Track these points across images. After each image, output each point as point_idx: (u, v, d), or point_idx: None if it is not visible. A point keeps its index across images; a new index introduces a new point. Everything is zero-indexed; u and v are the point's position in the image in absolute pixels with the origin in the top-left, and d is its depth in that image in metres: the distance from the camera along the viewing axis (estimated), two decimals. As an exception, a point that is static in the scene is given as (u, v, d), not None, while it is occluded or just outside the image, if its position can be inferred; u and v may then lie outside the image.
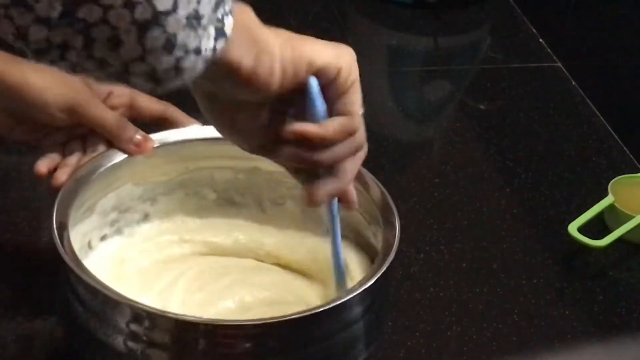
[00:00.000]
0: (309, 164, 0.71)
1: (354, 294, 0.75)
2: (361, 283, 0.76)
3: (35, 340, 0.86)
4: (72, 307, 0.76)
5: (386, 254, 0.78)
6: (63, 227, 0.78)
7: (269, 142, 0.70)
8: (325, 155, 0.71)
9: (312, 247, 0.89)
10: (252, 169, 0.90)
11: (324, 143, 0.71)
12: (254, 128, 0.69)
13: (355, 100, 0.75)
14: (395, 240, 0.79)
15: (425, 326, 0.90)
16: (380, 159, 1.11)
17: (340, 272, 0.80)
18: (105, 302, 0.73)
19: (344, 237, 0.81)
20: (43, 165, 0.87)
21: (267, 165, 0.88)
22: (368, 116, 1.24)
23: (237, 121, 0.69)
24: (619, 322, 0.94)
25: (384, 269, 0.76)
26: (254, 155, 0.87)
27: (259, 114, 0.69)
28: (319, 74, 0.69)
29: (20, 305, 0.88)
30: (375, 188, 0.84)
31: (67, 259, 0.75)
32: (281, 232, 0.91)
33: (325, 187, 0.72)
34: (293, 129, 0.69)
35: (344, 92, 0.73)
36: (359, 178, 0.85)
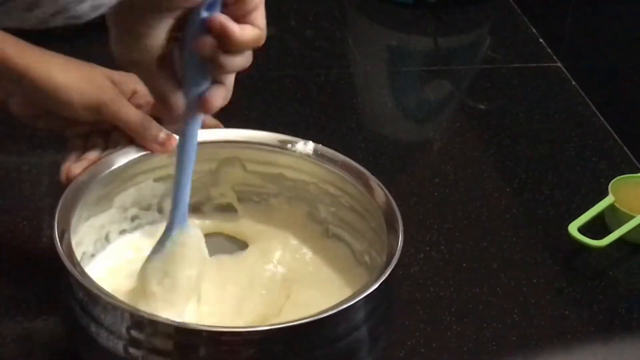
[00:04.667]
0: (217, 67, 0.74)
1: (358, 299, 0.75)
2: (364, 288, 0.76)
3: (35, 340, 0.86)
4: (73, 311, 0.76)
5: (389, 260, 0.78)
6: (64, 231, 0.78)
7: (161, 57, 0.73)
8: (234, 62, 0.74)
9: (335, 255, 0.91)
10: (277, 175, 0.90)
11: (237, 48, 0.73)
12: (156, 39, 0.72)
13: (261, 16, 0.76)
14: (399, 246, 0.79)
15: (425, 326, 0.90)
16: (380, 159, 1.11)
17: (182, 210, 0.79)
18: (106, 308, 0.73)
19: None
20: (65, 170, 0.87)
21: (292, 173, 0.89)
22: (368, 116, 1.25)
23: (144, 29, 0.72)
24: (619, 322, 0.94)
25: (386, 274, 0.76)
26: (279, 161, 0.88)
27: (165, 24, 0.71)
28: None
29: (20, 305, 0.88)
30: (380, 193, 0.84)
31: (67, 264, 0.75)
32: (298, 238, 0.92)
33: (220, 95, 0.76)
34: (219, 20, 0.71)
35: (252, 9, 0.74)
36: (363, 181, 0.85)
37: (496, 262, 0.99)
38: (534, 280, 0.97)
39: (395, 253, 0.78)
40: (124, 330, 0.73)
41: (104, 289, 0.73)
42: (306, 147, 0.88)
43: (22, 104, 0.86)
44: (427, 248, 0.99)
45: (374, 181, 0.86)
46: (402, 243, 0.79)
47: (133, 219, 0.89)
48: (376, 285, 0.75)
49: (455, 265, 0.98)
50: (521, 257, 1.00)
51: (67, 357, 0.85)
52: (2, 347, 0.85)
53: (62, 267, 0.75)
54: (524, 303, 0.94)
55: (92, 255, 0.86)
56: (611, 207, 1.02)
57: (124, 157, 0.85)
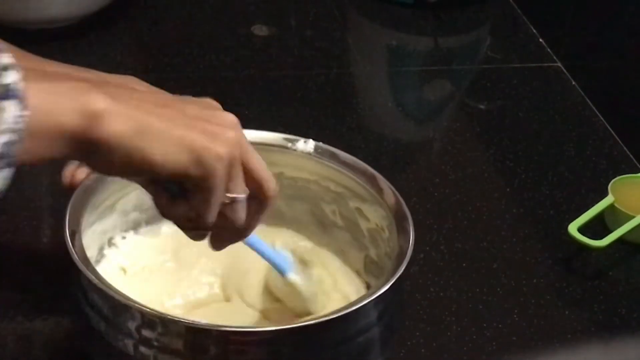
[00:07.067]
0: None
1: (369, 300, 0.74)
2: (375, 289, 0.76)
3: (35, 340, 0.86)
4: (84, 310, 0.76)
5: (400, 260, 0.78)
6: (75, 231, 0.78)
7: None
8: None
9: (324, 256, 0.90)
10: (277, 174, 0.90)
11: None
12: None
13: (203, 203, 0.70)
14: (409, 247, 0.79)
15: (425, 326, 0.90)
16: (380, 159, 1.11)
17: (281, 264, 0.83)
18: (117, 307, 0.73)
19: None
20: (68, 175, 0.86)
21: (292, 171, 0.88)
22: (368, 116, 1.25)
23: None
24: (619, 322, 0.94)
25: (398, 274, 0.76)
26: (280, 161, 0.88)
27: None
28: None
29: (20, 305, 0.88)
30: (390, 193, 0.84)
31: (78, 262, 0.75)
32: (297, 237, 0.92)
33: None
34: None
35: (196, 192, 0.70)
36: (372, 183, 0.85)
37: (496, 262, 0.99)
38: (534, 280, 0.97)
39: (406, 253, 0.78)
40: (134, 330, 0.73)
41: (115, 288, 0.73)
42: (306, 145, 0.88)
43: None
44: (427, 248, 0.99)
45: (382, 181, 0.85)
46: (413, 243, 0.79)
47: (134, 222, 0.89)
48: (388, 286, 0.75)
49: (455, 265, 0.98)
50: (521, 257, 1.00)
51: (67, 357, 0.85)
52: (2, 347, 0.85)
53: (74, 267, 0.75)
54: (524, 303, 0.94)
55: (97, 261, 0.86)
56: (611, 207, 1.02)
57: None
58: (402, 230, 0.81)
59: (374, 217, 0.85)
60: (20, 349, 0.85)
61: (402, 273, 0.77)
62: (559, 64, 1.31)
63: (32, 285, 0.90)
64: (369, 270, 0.87)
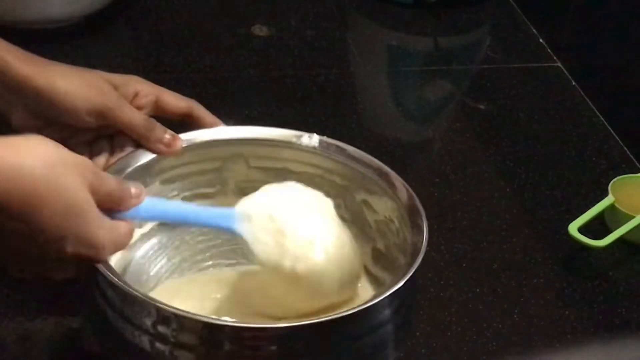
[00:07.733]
0: None
1: (383, 297, 0.74)
2: (389, 285, 0.76)
3: (35, 340, 0.86)
4: (100, 307, 0.76)
5: (414, 257, 0.78)
6: None
7: None
8: None
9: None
10: (282, 170, 0.90)
11: None
12: None
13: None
14: (423, 243, 0.79)
15: (425, 326, 0.90)
16: (380, 159, 1.10)
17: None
18: (133, 303, 0.73)
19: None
20: None
21: (296, 166, 0.88)
22: (368, 116, 1.25)
23: None
24: (619, 322, 0.94)
25: (412, 271, 0.76)
26: (284, 157, 0.88)
27: None
28: None
29: (20, 305, 0.88)
30: (403, 190, 0.84)
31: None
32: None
33: None
34: None
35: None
36: (380, 175, 0.86)
37: (496, 262, 0.99)
38: (534, 280, 0.97)
39: (420, 251, 0.78)
40: (150, 326, 0.73)
41: (130, 285, 0.74)
42: (311, 140, 0.89)
43: (24, 116, 0.86)
44: (427, 248, 0.99)
45: (393, 175, 0.86)
46: (427, 238, 0.79)
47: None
48: (401, 283, 0.75)
49: (455, 265, 0.98)
50: (521, 257, 1.00)
51: (67, 357, 0.85)
52: (2, 347, 0.85)
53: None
54: (524, 303, 0.94)
55: None
56: (611, 207, 1.02)
57: (133, 161, 0.85)
58: (415, 227, 0.81)
59: (382, 208, 0.85)
60: (20, 349, 0.85)
61: (417, 269, 0.77)
62: (559, 64, 1.31)
63: (33, 285, 0.90)
64: (377, 263, 0.87)
